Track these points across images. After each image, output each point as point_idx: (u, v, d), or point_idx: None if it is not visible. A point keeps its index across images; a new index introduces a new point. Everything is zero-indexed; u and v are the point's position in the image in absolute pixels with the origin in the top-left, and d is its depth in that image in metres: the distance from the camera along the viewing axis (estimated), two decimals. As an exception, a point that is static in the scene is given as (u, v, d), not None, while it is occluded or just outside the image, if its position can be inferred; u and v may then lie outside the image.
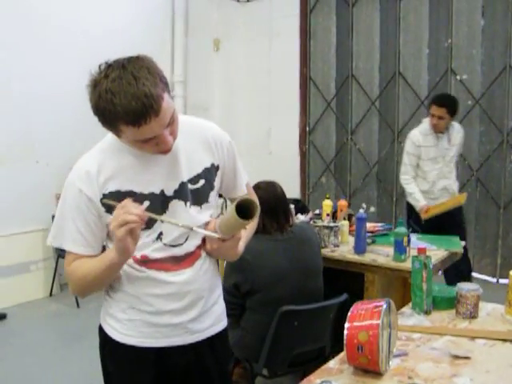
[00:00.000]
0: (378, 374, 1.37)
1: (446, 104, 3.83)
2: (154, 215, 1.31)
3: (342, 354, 1.44)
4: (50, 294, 4.58)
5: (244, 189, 1.62)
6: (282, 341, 2.27)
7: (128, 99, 1.17)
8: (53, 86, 4.56)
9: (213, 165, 1.48)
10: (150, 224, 1.39)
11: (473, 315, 1.78)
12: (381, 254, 2.77)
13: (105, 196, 1.36)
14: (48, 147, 4.57)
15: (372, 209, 5.45)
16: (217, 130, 1.53)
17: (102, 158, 1.38)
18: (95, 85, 1.22)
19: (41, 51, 4.49)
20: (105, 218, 1.38)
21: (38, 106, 4.50)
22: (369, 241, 2.95)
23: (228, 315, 2.39)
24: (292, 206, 3.57)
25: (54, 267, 4.53)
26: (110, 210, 1.36)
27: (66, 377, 3.14)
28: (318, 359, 2.34)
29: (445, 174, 3.97)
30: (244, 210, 1.24)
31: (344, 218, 3.17)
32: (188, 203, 1.42)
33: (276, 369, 2.40)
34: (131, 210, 1.21)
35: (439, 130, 3.85)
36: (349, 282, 2.86)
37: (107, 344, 1.51)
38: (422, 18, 4.93)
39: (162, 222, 1.36)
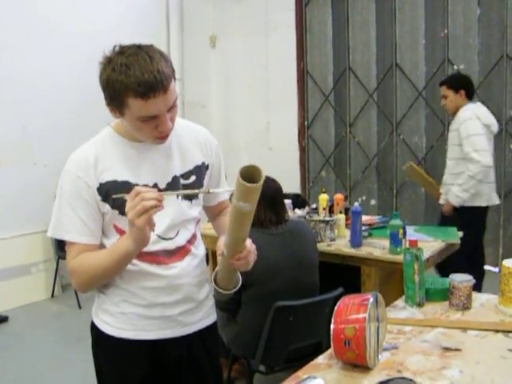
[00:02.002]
0: (366, 368, 1.36)
1: (445, 80, 3.60)
2: (170, 192, 1.34)
3: (331, 349, 1.43)
4: (52, 296, 4.60)
5: (226, 197, 1.69)
6: (278, 336, 2.26)
7: (141, 71, 1.23)
8: (49, 87, 4.57)
9: (203, 163, 1.54)
10: None
11: (466, 306, 1.76)
12: (377, 247, 2.76)
13: (102, 185, 1.39)
14: (46, 149, 4.57)
15: (373, 201, 5.44)
16: (206, 133, 1.60)
17: (100, 148, 1.42)
18: (109, 61, 1.28)
19: (36, 52, 4.49)
20: (101, 207, 1.40)
21: (34, 107, 4.50)
22: (365, 234, 2.94)
23: (224, 310, 2.42)
24: (290, 201, 3.58)
25: (55, 269, 4.54)
26: (106, 198, 1.39)
27: (69, 378, 3.15)
28: (315, 354, 2.33)
29: (448, 167, 3.60)
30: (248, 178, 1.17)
31: (340, 212, 3.15)
32: (180, 197, 1.47)
33: (273, 365, 2.40)
34: (148, 195, 1.20)
35: (448, 111, 3.62)
36: (347, 276, 2.85)
37: (100, 340, 1.53)
38: (417, 9, 4.90)
39: (178, 196, 1.43)
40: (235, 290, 1.46)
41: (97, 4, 4.97)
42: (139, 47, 1.28)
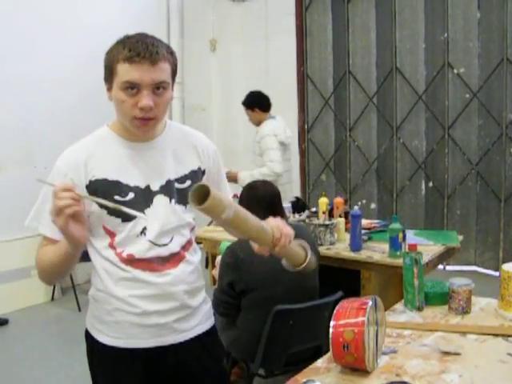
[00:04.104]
0: (365, 371, 1.36)
1: (243, 102, 4.22)
2: (89, 197, 1.27)
3: (330, 353, 1.43)
4: (52, 299, 4.59)
5: (229, 195, 1.67)
6: (277, 340, 2.26)
7: (137, 41, 1.29)
8: (50, 89, 4.58)
9: (199, 168, 1.52)
10: (129, 217, 1.38)
11: (465, 310, 1.77)
12: (377, 251, 2.76)
13: (91, 182, 1.38)
14: (46, 152, 4.55)
15: (372, 205, 5.44)
16: (204, 138, 1.59)
17: (93, 146, 1.42)
18: (118, 39, 1.34)
19: (36, 55, 4.49)
20: (88, 206, 1.37)
21: (33, 111, 4.51)
22: (365, 238, 2.94)
23: (224, 315, 2.42)
24: (289, 205, 3.58)
25: (54, 271, 4.53)
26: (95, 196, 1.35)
27: (68, 381, 3.15)
28: (315, 358, 2.33)
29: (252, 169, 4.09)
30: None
31: (340, 216, 3.15)
32: (173, 200, 1.45)
33: (272, 368, 2.39)
34: (61, 195, 1.17)
35: (254, 125, 4.20)
36: (347, 279, 2.84)
37: (95, 348, 1.51)
38: (417, 13, 4.90)
39: (107, 206, 1.28)
40: (309, 257, 1.41)
41: (96, 8, 4.98)
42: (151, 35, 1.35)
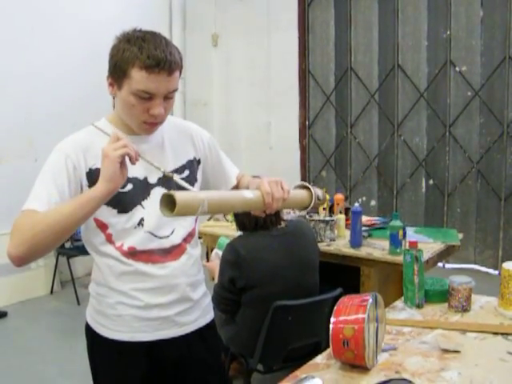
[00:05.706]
0: (365, 368, 1.36)
1: None
2: (146, 159, 1.28)
3: (330, 349, 1.43)
4: (51, 292, 4.60)
5: (233, 181, 1.67)
6: (276, 336, 2.26)
7: (155, 47, 1.28)
8: (50, 81, 4.57)
9: (195, 158, 1.55)
10: (127, 208, 1.40)
11: (465, 308, 1.77)
12: (377, 248, 2.76)
13: (91, 170, 1.38)
14: (46, 145, 4.49)
15: (373, 202, 5.43)
16: (197, 127, 1.62)
17: (93, 137, 1.42)
18: (126, 34, 1.33)
19: (37, 47, 4.49)
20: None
21: (35, 103, 4.50)
22: (365, 234, 2.94)
23: (224, 311, 2.42)
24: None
25: (54, 265, 4.55)
26: (93, 185, 1.31)
27: (67, 374, 3.16)
28: (314, 354, 2.33)
29: None
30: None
31: (341, 212, 3.15)
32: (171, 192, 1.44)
33: (271, 364, 2.40)
34: (130, 144, 1.23)
35: None
36: (347, 276, 2.84)
37: (96, 342, 1.51)
38: (420, 10, 4.88)
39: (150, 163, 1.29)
40: (314, 195, 1.42)
41: (98, 2, 4.97)
42: (159, 33, 1.34)
